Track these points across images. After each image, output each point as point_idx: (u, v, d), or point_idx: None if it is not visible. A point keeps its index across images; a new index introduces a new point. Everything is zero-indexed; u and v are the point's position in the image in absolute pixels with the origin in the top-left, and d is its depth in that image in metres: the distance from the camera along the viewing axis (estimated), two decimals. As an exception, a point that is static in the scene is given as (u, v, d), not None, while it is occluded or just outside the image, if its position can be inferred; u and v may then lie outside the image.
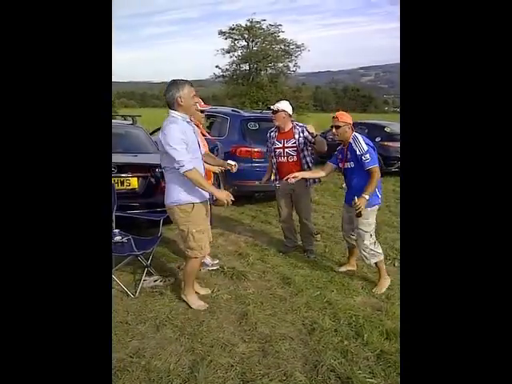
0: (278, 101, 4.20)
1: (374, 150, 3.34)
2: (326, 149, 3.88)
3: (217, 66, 21.59)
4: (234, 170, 3.33)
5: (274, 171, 4.15)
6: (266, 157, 5.61)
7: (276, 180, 4.13)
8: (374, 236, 3.40)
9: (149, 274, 3.35)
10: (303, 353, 2.48)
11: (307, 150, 3.98)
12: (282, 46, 20.93)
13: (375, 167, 3.22)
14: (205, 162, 3.00)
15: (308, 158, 3.99)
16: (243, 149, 5.67)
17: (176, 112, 2.70)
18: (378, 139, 9.13)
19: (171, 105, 2.71)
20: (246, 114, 6.42)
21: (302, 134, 3.93)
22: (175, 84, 2.69)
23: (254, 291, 3.29)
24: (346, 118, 3.35)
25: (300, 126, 4.01)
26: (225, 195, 2.80)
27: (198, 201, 2.81)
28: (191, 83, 2.75)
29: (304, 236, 4.22)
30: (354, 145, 3.29)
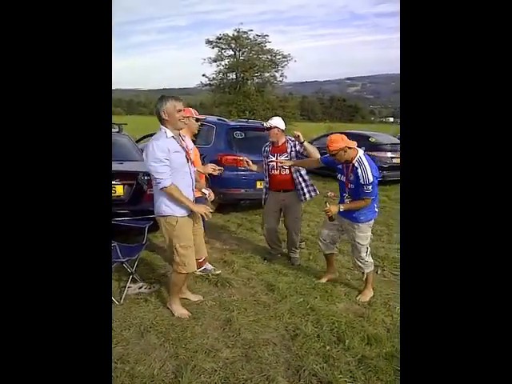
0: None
1: (377, 179, 3.20)
2: (318, 155, 3.91)
3: (203, 75, 21.72)
4: (211, 198, 3.46)
5: (265, 184, 4.23)
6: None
7: (266, 193, 4.20)
8: (368, 249, 3.45)
9: (134, 281, 3.36)
10: (286, 358, 2.52)
11: None
12: (269, 56, 21.19)
13: (369, 199, 3.20)
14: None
15: (301, 172, 4.06)
16: (229, 157, 5.73)
17: (164, 127, 2.75)
18: (362, 149, 9.29)
19: (159, 119, 2.77)
20: (232, 123, 6.49)
21: (293, 148, 4.01)
22: (161, 99, 2.75)
23: (239, 298, 3.33)
24: (336, 143, 3.14)
25: (292, 141, 4.08)
26: (202, 209, 2.82)
27: (180, 215, 2.81)
28: (178, 98, 2.79)
29: (290, 246, 4.28)
30: (359, 171, 3.12)
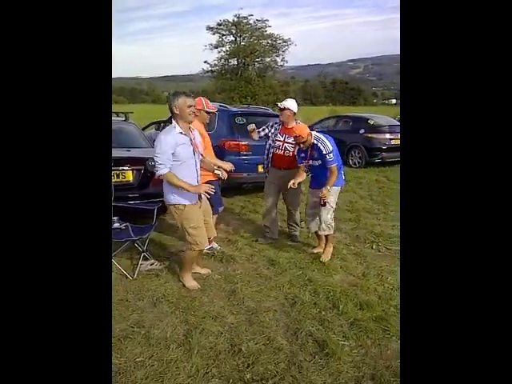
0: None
1: (335, 147, 3.75)
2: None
3: (205, 62, 21.82)
4: (225, 176, 3.79)
5: (266, 162, 4.42)
6: (252, 150, 5.92)
7: (267, 170, 4.43)
8: (332, 214, 3.90)
9: (145, 258, 3.64)
10: (285, 322, 2.79)
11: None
12: (269, 41, 21.20)
13: (335, 166, 3.70)
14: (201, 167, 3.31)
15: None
16: (231, 142, 5.95)
17: (174, 122, 3.02)
18: (361, 131, 9.48)
19: (171, 113, 3.03)
20: (234, 109, 6.69)
21: None
22: (173, 95, 3.03)
23: (242, 272, 3.60)
24: (305, 130, 3.71)
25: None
26: (203, 188, 3.02)
27: (187, 203, 3.07)
28: (189, 94, 3.06)
29: (290, 222, 4.53)
30: (319, 145, 3.67)
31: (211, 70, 22.28)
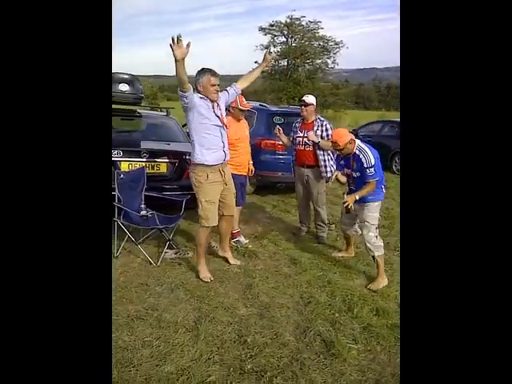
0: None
1: (378, 160, 3.42)
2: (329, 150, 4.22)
3: (256, 62, 21.99)
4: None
5: (293, 159, 4.56)
6: (288, 150, 5.95)
7: (293, 167, 4.55)
8: (377, 230, 3.52)
9: (170, 247, 3.78)
10: (296, 320, 2.80)
11: None
12: (321, 43, 20.99)
13: (374, 181, 3.39)
14: None
15: (323, 151, 4.27)
16: (268, 141, 6.00)
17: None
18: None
19: (195, 88, 3.15)
20: (273, 109, 6.74)
21: (320, 128, 4.27)
22: (199, 72, 3.17)
23: (263, 268, 3.64)
24: (343, 138, 3.38)
25: (321, 120, 4.33)
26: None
27: (210, 163, 3.18)
28: (215, 73, 3.16)
29: (316, 223, 4.52)
30: (361, 156, 3.35)
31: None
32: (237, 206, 4.03)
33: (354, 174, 3.51)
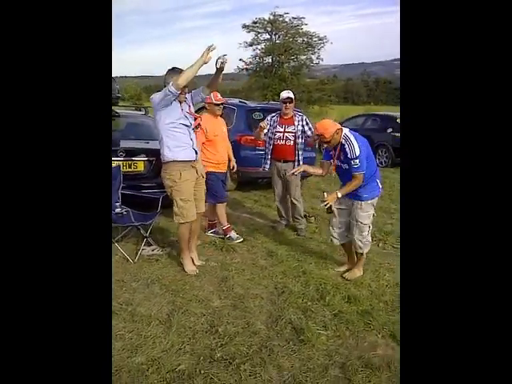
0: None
1: (367, 150, 3.19)
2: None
3: (240, 59, 22.02)
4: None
5: (268, 154, 4.53)
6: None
7: (269, 163, 4.54)
8: (370, 229, 3.37)
9: (148, 244, 3.82)
10: (269, 309, 2.87)
11: (302, 138, 4.40)
12: (305, 39, 21.06)
13: (360, 174, 3.11)
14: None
15: (300, 146, 4.37)
16: (248, 137, 6.05)
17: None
18: (389, 130, 9.29)
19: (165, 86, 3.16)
20: (252, 105, 6.80)
21: (301, 122, 4.37)
22: (171, 71, 3.21)
23: (239, 261, 3.70)
24: (329, 129, 3.15)
25: (300, 115, 4.41)
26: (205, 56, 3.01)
27: (181, 159, 3.22)
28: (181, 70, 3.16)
29: (294, 216, 4.59)
30: (345, 146, 3.12)
31: (246, 68, 22.46)
32: (220, 202, 4.14)
33: (343, 167, 3.25)
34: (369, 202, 3.27)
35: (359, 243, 3.35)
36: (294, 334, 2.58)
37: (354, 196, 3.28)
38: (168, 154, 3.23)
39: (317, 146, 6.54)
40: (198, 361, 2.25)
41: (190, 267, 3.42)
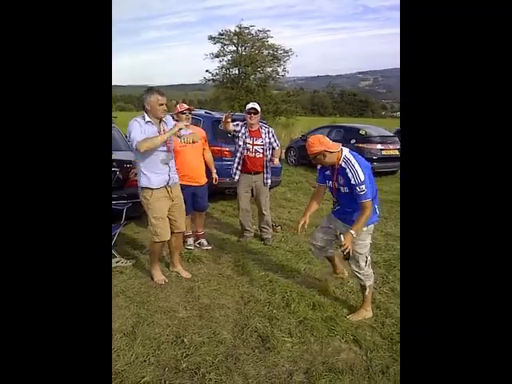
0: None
1: (368, 172, 2.79)
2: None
3: (207, 70, 22.15)
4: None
5: (236, 164, 4.52)
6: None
7: (237, 174, 4.53)
8: (369, 257, 2.99)
9: (112, 256, 3.75)
10: (235, 318, 2.89)
11: (270, 149, 4.51)
12: (271, 51, 21.52)
13: (368, 202, 2.72)
14: None
15: (268, 157, 4.48)
16: (214, 148, 6.07)
17: (145, 114, 3.20)
18: (353, 141, 9.57)
19: (143, 108, 3.21)
20: (217, 116, 6.84)
21: (268, 135, 4.47)
22: (147, 91, 3.20)
23: (206, 271, 3.70)
24: (313, 147, 2.82)
25: (266, 127, 4.50)
26: (176, 127, 3.18)
27: (155, 186, 3.24)
28: (161, 92, 3.21)
29: (262, 226, 4.64)
30: (348, 171, 2.74)
31: (212, 79, 22.63)
32: (201, 211, 4.36)
33: (343, 190, 2.89)
34: (365, 229, 2.84)
35: (358, 275, 2.96)
36: (260, 341, 2.61)
37: (349, 221, 2.88)
38: (143, 181, 3.26)
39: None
40: (164, 372, 2.24)
41: (159, 277, 3.43)
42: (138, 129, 3.11)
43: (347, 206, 2.93)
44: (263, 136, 4.43)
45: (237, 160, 4.51)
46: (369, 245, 2.96)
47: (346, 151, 2.85)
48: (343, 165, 2.79)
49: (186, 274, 3.61)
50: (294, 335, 2.70)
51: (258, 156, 4.42)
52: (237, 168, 4.53)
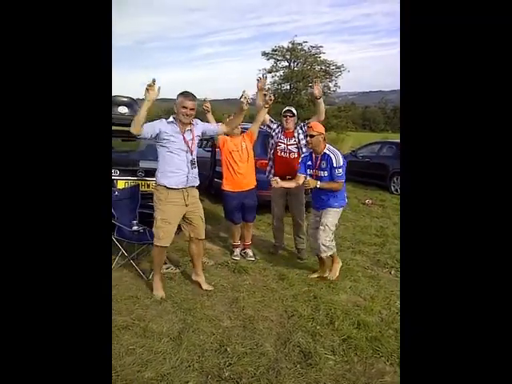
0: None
1: (345, 164, 3.72)
2: (323, 115, 4.35)
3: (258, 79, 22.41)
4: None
5: (269, 168, 4.54)
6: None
7: (272, 176, 4.39)
8: (333, 235, 3.80)
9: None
10: (278, 332, 2.90)
11: (302, 148, 4.35)
12: (323, 67, 21.56)
13: (341, 182, 3.68)
14: None
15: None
16: (263, 161, 6.13)
17: (173, 115, 3.31)
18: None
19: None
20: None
21: (300, 131, 4.37)
22: (178, 94, 3.28)
23: (251, 283, 3.75)
24: (319, 128, 3.71)
25: (300, 127, 4.40)
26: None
27: (170, 186, 3.23)
28: (189, 96, 3.25)
29: (296, 233, 4.57)
30: (331, 156, 3.64)
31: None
32: (235, 223, 4.36)
33: (322, 174, 3.72)
34: (337, 210, 3.79)
35: (322, 247, 3.72)
36: (302, 357, 2.60)
37: (325, 205, 3.77)
38: (159, 178, 3.28)
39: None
40: (207, 379, 2.29)
41: (157, 291, 3.33)
42: (155, 122, 3.21)
43: (323, 193, 3.75)
44: (296, 135, 4.35)
45: (270, 163, 4.51)
46: (336, 224, 3.84)
47: (328, 145, 3.76)
48: (328, 152, 3.68)
49: (206, 286, 3.52)
50: (337, 353, 2.66)
51: (292, 156, 4.34)
52: (269, 171, 4.51)
